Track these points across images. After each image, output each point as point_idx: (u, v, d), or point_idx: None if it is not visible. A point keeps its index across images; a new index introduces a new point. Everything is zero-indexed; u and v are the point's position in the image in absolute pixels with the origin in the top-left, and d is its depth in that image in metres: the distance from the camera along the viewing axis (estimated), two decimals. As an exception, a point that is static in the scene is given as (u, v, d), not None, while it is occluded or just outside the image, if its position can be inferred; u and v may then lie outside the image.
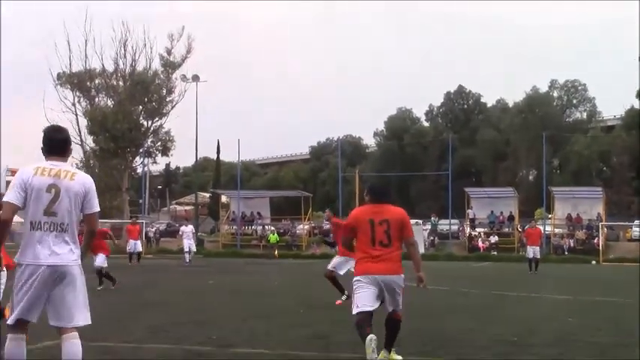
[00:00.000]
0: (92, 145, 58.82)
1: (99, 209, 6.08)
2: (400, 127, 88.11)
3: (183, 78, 58.64)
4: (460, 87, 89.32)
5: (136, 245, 32.14)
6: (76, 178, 5.91)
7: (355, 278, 7.74)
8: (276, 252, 45.84)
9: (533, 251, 28.29)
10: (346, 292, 14.07)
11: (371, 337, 7.14)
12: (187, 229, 34.88)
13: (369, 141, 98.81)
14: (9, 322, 5.88)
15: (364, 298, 7.55)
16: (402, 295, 7.81)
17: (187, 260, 33.29)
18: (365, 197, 8.09)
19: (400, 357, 7.89)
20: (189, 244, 33.90)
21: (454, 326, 11.06)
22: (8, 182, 64.45)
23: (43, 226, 5.66)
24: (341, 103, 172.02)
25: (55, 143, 5.98)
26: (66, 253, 5.74)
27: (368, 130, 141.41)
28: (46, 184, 5.72)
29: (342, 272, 14.41)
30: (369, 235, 7.69)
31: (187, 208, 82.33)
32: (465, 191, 53.38)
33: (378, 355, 7.44)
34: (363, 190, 8.33)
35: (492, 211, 51.72)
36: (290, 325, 10.99)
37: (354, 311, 7.58)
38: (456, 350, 8.73)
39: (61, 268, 5.71)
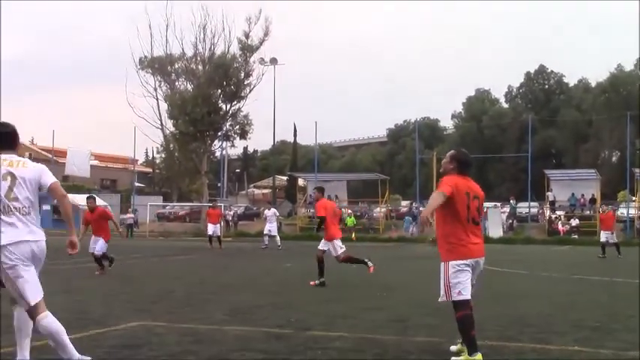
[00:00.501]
0: (172, 129, 59.80)
1: (55, 179, 6.47)
2: (479, 108, 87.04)
3: (261, 61, 59.05)
4: (541, 66, 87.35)
5: (216, 229, 32.37)
6: (27, 165, 6.42)
7: (455, 262, 6.94)
8: (353, 235, 45.83)
9: (605, 236, 28.01)
10: (323, 278, 14.76)
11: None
12: (269, 213, 34.85)
13: (447, 123, 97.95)
14: None
15: (466, 284, 6.96)
16: None
17: (265, 243, 33.37)
18: (448, 166, 7.24)
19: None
20: (269, 227, 33.87)
21: (534, 311, 10.87)
22: (93, 166, 66.16)
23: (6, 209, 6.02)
24: (418, 85, 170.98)
25: (4, 137, 6.45)
26: (26, 233, 6.09)
27: (446, 112, 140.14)
28: (1, 174, 6.16)
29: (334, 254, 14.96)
30: (465, 210, 6.94)
31: (265, 191, 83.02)
32: (545, 173, 52.48)
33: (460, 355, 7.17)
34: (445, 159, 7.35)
35: (573, 194, 50.72)
36: (367, 308, 10.99)
37: (456, 298, 6.94)
38: (536, 336, 8.58)
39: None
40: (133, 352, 7.32)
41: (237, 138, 61.95)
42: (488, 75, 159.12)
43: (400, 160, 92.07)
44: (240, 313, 10.42)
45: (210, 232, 32.35)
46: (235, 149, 77.62)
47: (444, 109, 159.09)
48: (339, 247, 15.07)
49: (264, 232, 34.31)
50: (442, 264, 7.04)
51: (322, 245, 15.11)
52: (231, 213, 56.36)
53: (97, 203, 19.74)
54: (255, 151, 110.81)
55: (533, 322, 9.72)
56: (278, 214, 39.39)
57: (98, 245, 18.03)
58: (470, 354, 6.84)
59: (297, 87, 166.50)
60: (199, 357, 7.18)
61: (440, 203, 6.83)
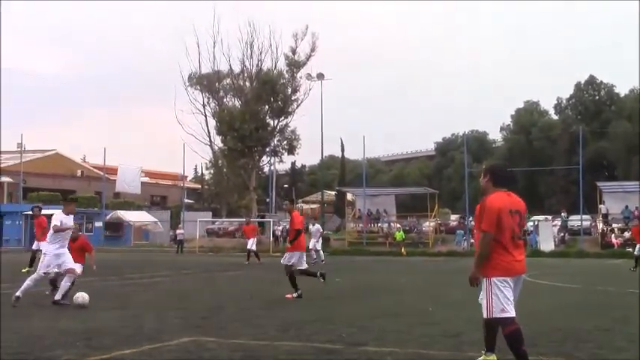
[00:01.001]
0: (220, 145, 60.22)
1: None
2: (528, 120, 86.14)
3: (308, 76, 59.23)
4: (591, 77, 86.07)
5: (252, 244, 32.90)
6: None
7: (498, 278, 6.75)
8: (403, 249, 45.59)
9: (638, 248, 27.61)
10: (299, 291, 15.08)
11: None
12: (314, 229, 35.00)
13: (496, 136, 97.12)
14: None
15: (509, 301, 6.76)
16: None
17: (314, 258, 33.44)
18: (484, 183, 7.17)
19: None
20: (314, 242, 34.03)
21: (590, 325, 10.67)
22: (143, 183, 66.95)
23: None
24: (466, 98, 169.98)
25: None
26: None
27: (494, 125, 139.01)
28: None
29: (302, 267, 15.61)
30: (510, 231, 6.78)
31: (314, 206, 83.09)
32: (597, 185, 51.63)
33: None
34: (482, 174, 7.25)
35: (627, 206, 49.79)
36: (420, 324, 10.90)
37: (500, 315, 6.73)
38: (593, 351, 8.42)
39: None
40: (185, 368, 7.35)
41: (285, 153, 62.19)
42: (536, 87, 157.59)
43: (449, 174, 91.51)
44: (290, 328, 10.40)
45: (249, 246, 32.85)
46: (283, 164, 77.94)
47: (493, 122, 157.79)
48: (304, 261, 15.56)
49: (310, 247, 34.44)
50: (484, 280, 6.86)
51: (290, 259, 15.34)
52: (280, 228, 56.43)
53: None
54: (303, 166, 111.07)
55: (589, 337, 9.54)
56: (322, 229, 39.48)
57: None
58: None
59: (345, 101, 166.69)
60: (252, 372, 7.18)
61: (492, 245, 6.72)
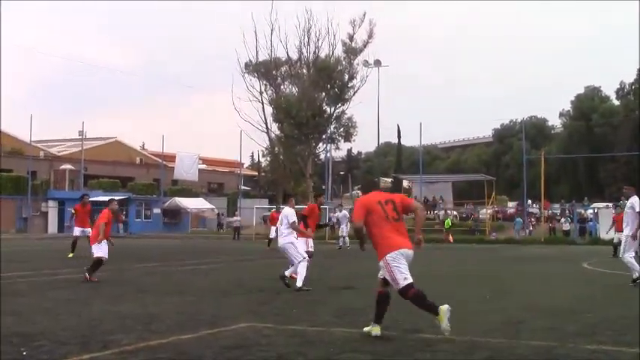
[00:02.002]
0: (277, 132, 60.45)
1: None
2: (588, 106, 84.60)
3: (365, 63, 59.04)
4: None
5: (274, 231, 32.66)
6: None
7: (390, 255, 8.30)
8: (450, 237, 45.20)
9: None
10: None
11: (448, 307, 7.83)
12: (340, 215, 35.19)
13: (555, 122, 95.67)
14: None
15: (406, 270, 8.28)
16: None
17: (340, 245, 33.82)
18: (361, 195, 9.42)
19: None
20: (342, 228, 34.39)
21: (654, 315, 10.43)
22: (200, 170, 67.61)
23: None
24: (525, 83, 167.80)
25: None
26: None
27: (553, 111, 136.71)
28: None
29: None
30: (383, 214, 8.49)
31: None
32: (660, 172, 50.55)
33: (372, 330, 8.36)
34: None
35: (690, 193, 48.60)
36: (476, 312, 10.82)
37: (404, 283, 8.18)
38: (656, 341, 8.23)
39: None
40: (242, 353, 7.41)
41: (342, 140, 62.14)
42: (598, 72, 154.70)
43: (507, 161, 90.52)
44: (346, 314, 10.42)
45: (272, 235, 31.29)
46: (340, 151, 77.95)
47: (552, 108, 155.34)
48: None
49: (339, 235, 34.83)
50: (382, 261, 8.42)
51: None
52: (336, 215, 56.45)
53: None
54: (360, 153, 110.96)
55: (652, 326, 9.33)
56: (348, 215, 39.51)
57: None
58: (437, 314, 7.92)
59: (402, 88, 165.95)
60: (308, 358, 7.22)
61: (362, 232, 8.70)
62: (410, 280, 8.20)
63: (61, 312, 10.52)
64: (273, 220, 33.41)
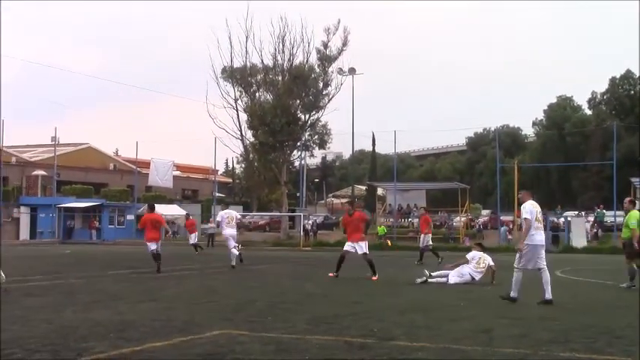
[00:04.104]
0: (252, 139, 60.33)
1: None
2: (560, 115, 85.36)
3: (340, 71, 59.09)
4: (628, 71, 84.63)
5: (194, 238, 37.62)
6: None
7: None
8: (389, 242, 46.16)
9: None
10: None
11: None
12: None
13: (528, 131, 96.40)
14: None
15: None
16: None
17: None
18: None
19: None
20: None
21: (622, 322, 10.54)
22: (175, 177, 67.32)
23: None
24: (497, 93, 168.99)
25: None
26: None
27: (526, 120, 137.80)
28: None
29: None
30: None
31: (344, 200, 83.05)
32: (631, 181, 51.00)
33: None
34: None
35: (661, 202, 49.09)
36: (450, 319, 10.86)
37: None
38: (627, 348, 8.32)
39: None
40: (217, 360, 7.39)
41: (317, 148, 62.17)
42: (570, 82, 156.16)
43: (480, 169, 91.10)
44: (321, 322, 10.41)
45: (192, 241, 37.70)
46: (314, 159, 77.98)
47: (525, 117, 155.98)
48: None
49: None
50: None
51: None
52: (310, 222, 56.52)
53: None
54: (334, 161, 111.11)
55: (622, 334, 9.43)
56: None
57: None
58: None
59: (375, 96, 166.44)
60: (283, 366, 7.21)
61: None
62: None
63: (33, 319, 10.42)
64: (190, 227, 36.05)
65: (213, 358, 7.50)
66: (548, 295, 12.83)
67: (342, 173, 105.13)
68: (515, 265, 13.09)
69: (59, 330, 9.34)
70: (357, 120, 65.68)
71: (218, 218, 25.74)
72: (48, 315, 10.91)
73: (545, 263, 13.00)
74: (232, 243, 23.63)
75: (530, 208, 13.10)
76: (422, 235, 28.54)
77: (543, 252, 13.12)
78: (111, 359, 7.43)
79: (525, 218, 13.09)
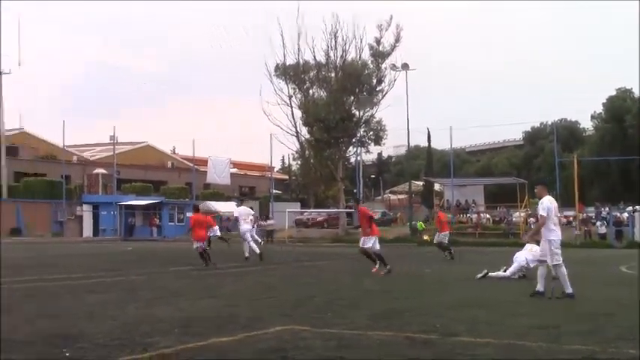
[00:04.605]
0: (307, 136, 60.46)
1: None
2: (620, 107, 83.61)
3: (393, 67, 58.86)
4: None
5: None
6: None
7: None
8: (426, 237, 45.49)
9: None
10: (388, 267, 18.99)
11: None
12: None
13: (587, 124, 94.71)
14: None
15: None
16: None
17: None
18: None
19: None
20: None
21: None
22: (232, 174, 67.87)
23: None
24: (555, 86, 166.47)
25: None
26: None
27: (585, 113, 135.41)
28: None
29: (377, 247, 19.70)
30: None
31: (401, 196, 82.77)
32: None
33: None
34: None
35: None
36: (513, 314, 10.73)
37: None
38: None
39: None
40: (282, 356, 7.42)
41: (372, 144, 62.00)
42: (630, 73, 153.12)
43: (538, 163, 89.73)
44: (382, 318, 10.37)
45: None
46: (370, 155, 77.75)
47: (583, 111, 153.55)
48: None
49: None
50: None
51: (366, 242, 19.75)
52: (367, 218, 56.31)
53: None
54: (390, 157, 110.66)
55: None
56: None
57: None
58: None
59: (430, 91, 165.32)
60: (347, 361, 7.19)
61: None
62: None
63: (98, 315, 10.60)
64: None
65: (278, 354, 7.52)
66: (569, 290, 12.69)
67: (398, 169, 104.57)
68: (553, 262, 12.77)
69: (124, 326, 9.48)
70: (412, 116, 65.77)
71: (235, 214, 26.41)
72: (112, 311, 11.08)
73: (561, 259, 12.77)
74: (248, 237, 24.75)
75: (548, 205, 12.96)
76: (439, 234, 27.85)
77: (559, 247, 12.86)
78: (178, 353, 7.51)
79: (541, 215, 12.96)
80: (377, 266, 19.25)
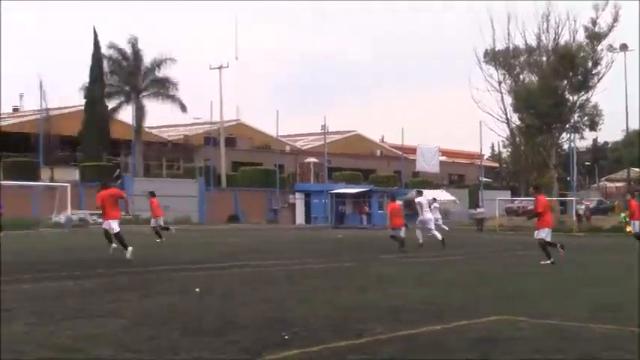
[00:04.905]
0: (517, 122, 59.17)
1: None
2: None
3: (610, 48, 56.22)
4: None
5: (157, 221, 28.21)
6: None
7: None
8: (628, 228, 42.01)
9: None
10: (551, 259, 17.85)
11: None
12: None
13: None
14: None
15: None
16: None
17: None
18: None
19: None
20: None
21: None
22: (440, 162, 67.53)
23: None
24: None
25: None
26: None
27: None
28: None
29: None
30: None
31: (619, 184, 78.93)
32: None
33: None
34: None
35: None
36: None
37: None
38: None
39: None
40: (497, 346, 7.22)
41: (587, 130, 59.66)
42: None
43: None
44: (605, 310, 9.85)
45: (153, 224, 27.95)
46: (585, 141, 74.83)
47: None
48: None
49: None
50: None
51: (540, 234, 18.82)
52: (583, 207, 54.23)
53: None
54: (606, 143, 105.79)
55: None
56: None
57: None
58: None
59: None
60: (567, 355, 6.87)
61: None
62: None
63: (312, 300, 10.80)
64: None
65: (492, 344, 7.31)
66: None
67: (616, 156, 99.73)
68: None
69: (338, 311, 9.60)
70: (631, 99, 61.96)
71: (420, 202, 26.67)
72: (326, 296, 11.26)
73: None
74: (432, 225, 25.92)
75: None
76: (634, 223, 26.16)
77: None
78: (392, 340, 7.50)
79: None
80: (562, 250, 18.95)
